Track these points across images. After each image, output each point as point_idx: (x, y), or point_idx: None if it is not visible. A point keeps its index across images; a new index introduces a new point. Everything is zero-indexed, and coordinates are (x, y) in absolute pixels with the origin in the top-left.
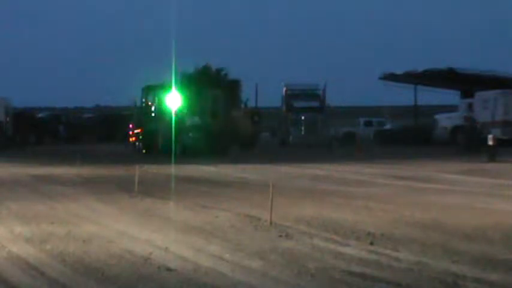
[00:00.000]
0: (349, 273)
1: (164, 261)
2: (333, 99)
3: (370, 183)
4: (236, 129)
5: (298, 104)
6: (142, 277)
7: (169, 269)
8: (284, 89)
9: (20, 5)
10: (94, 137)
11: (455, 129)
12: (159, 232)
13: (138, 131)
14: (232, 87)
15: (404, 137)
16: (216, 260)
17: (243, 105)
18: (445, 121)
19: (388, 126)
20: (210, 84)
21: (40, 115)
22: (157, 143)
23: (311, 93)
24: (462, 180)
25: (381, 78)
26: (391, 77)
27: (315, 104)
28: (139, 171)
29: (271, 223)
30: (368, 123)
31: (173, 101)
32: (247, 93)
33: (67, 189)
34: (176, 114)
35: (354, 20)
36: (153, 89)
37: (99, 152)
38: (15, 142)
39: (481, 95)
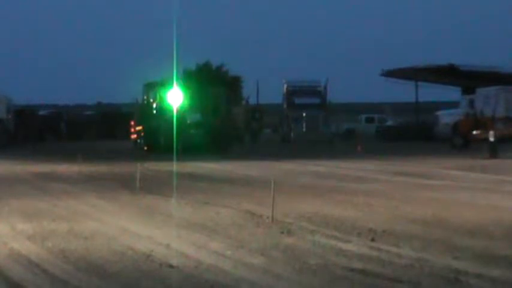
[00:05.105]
0: (351, 269)
1: (166, 258)
2: (335, 96)
3: (371, 180)
4: (237, 126)
5: (299, 100)
6: (144, 274)
7: (171, 266)
8: (285, 85)
9: (22, 3)
10: (94, 135)
11: (457, 125)
12: (161, 229)
13: (140, 128)
14: (233, 84)
15: (406, 133)
16: (218, 256)
17: (244, 102)
18: (447, 117)
19: (389, 123)
20: (211, 81)
21: (41, 113)
22: (158, 140)
23: (312, 90)
24: (463, 176)
25: (382, 75)
26: (391, 74)
27: (316, 100)
28: (140, 168)
29: (272, 220)
30: (369, 120)
31: (174, 98)
32: (248, 90)
33: (68, 186)
34: (177, 112)
35: (355, 17)
36: (155, 86)
37: (100, 149)
38: (16, 139)
39: (482, 91)
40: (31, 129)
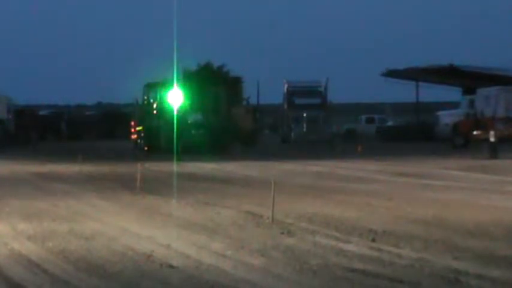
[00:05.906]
0: (351, 270)
1: (166, 258)
2: (335, 96)
3: (371, 180)
4: (238, 126)
5: (299, 101)
6: (144, 274)
7: (171, 266)
8: (285, 85)
9: (22, 3)
10: (95, 135)
11: (457, 125)
12: (161, 229)
13: (140, 128)
14: (233, 84)
15: (406, 133)
16: (218, 257)
17: (244, 103)
18: (447, 118)
19: (390, 123)
20: (211, 81)
21: (42, 113)
22: (159, 140)
23: (312, 90)
24: (464, 176)
25: (383, 75)
26: (393, 74)
27: (316, 101)
28: (141, 168)
29: (273, 220)
30: (370, 120)
31: (175, 98)
32: (248, 91)
33: (69, 186)
34: (178, 112)
35: (355, 17)
36: (155, 86)
37: (100, 149)
38: (16, 140)
39: (482, 92)
40: (31, 129)
